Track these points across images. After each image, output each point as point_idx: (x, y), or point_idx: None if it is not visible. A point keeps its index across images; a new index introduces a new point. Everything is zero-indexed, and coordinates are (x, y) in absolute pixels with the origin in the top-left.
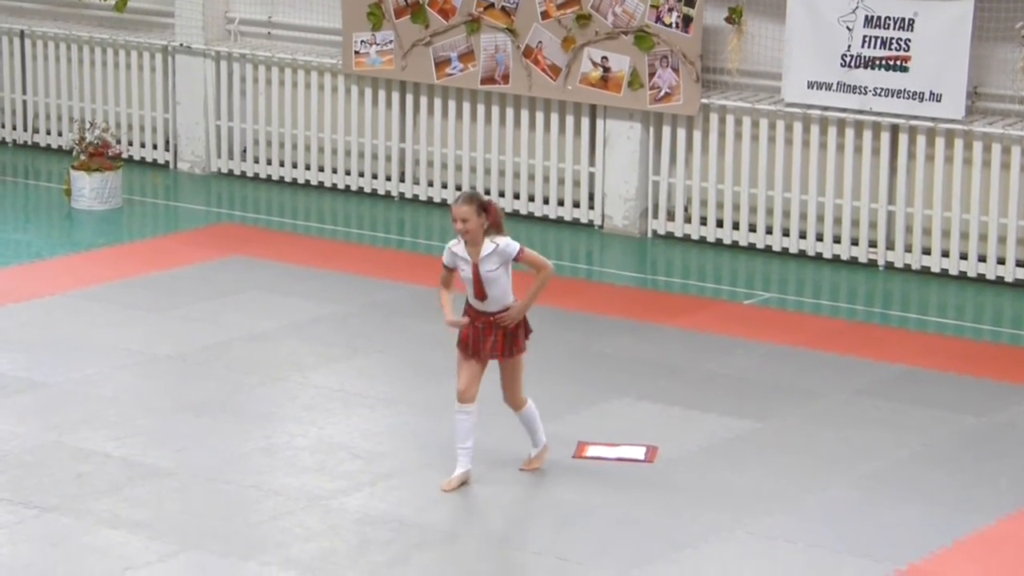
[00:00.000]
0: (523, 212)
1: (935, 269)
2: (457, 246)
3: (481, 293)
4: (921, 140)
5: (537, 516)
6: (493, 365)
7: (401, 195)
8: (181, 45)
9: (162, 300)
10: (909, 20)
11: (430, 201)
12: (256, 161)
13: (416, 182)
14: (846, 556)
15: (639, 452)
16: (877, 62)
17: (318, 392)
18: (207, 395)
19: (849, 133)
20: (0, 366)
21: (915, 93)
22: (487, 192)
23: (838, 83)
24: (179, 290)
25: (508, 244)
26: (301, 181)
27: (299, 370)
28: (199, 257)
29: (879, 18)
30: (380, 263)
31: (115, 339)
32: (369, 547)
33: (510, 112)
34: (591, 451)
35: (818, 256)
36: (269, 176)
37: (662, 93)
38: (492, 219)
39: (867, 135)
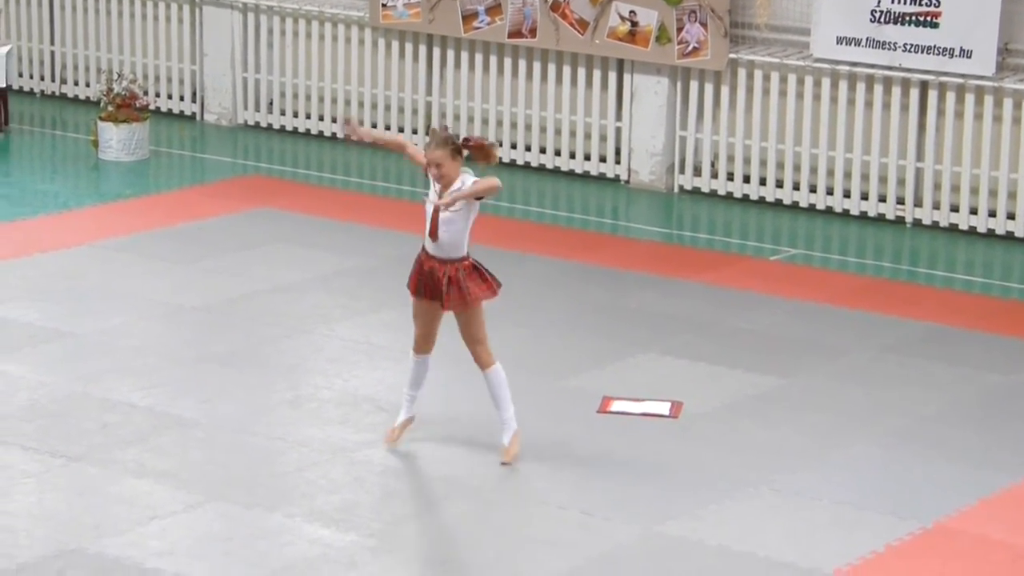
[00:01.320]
0: (549, 166)
1: (963, 226)
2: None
3: (435, 232)
4: (951, 97)
5: (561, 471)
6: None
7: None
8: None
9: (188, 251)
10: None
11: None
12: (283, 113)
13: None
14: (871, 513)
15: (664, 407)
16: (907, 18)
17: (343, 344)
18: (232, 346)
19: (878, 89)
20: (28, 316)
21: (945, 49)
22: (514, 147)
23: (867, 39)
24: (205, 241)
25: (465, 180)
26: (327, 134)
27: (325, 322)
28: (225, 209)
29: None
30: (405, 216)
31: (141, 290)
32: (392, 499)
33: (537, 66)
34: (616, 406)
35: (845, 212)
36: (295, 128)
37: (690, 48)
38: (476, 156)
39: (896, 91)
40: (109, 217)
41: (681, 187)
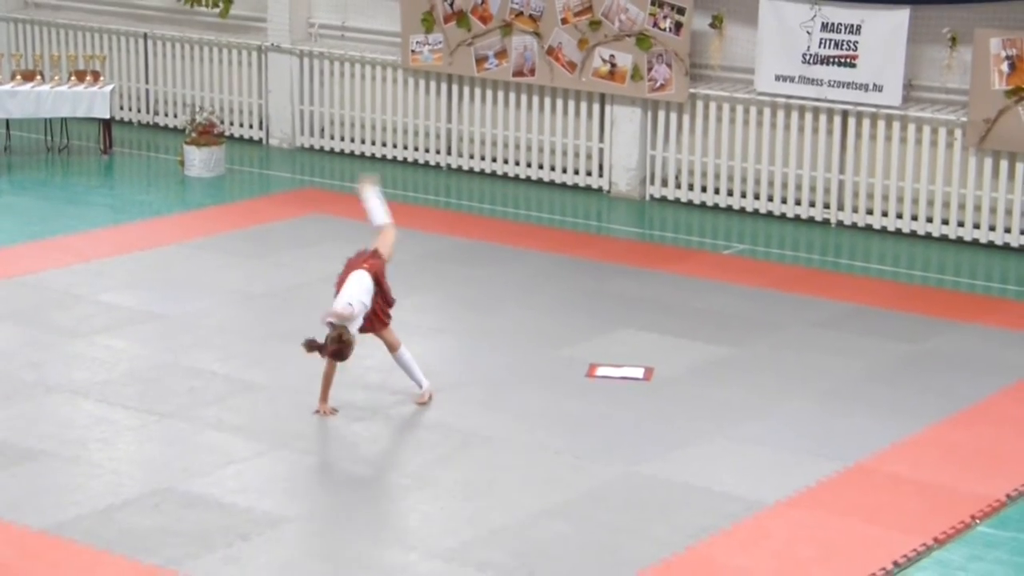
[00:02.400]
0: (545, 179)
1: (876, 226)
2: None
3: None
4: (866, 123)
5: (556, 424)
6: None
7: (448, 165)
8: (272, 45)
9: (257, 249)
10: (857, 26)
11: (471, 171)
12: (332, 137)
13: (460, 155)
14: (805, 456)
15: (639, 372)
16: (831, 59)
17: None
18: (292, 326)
19: (808, 117)
20: (128, 301)
21: (861, 84)
22: (517, 163)
23: (800, 76)
24: (270, 241)
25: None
26: (368, 154)
27: None
28: (286, 215)
29: (833, 24)
30: (431, 220)
31: (219, 280)
32: (422, 447)
33: (536, 99)
34: (600, 371)
35: (783, 215)
36: (343, 150)
37: (658, 84)
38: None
39: (823, 119)
40: (193, 222)
41: (652, 196)
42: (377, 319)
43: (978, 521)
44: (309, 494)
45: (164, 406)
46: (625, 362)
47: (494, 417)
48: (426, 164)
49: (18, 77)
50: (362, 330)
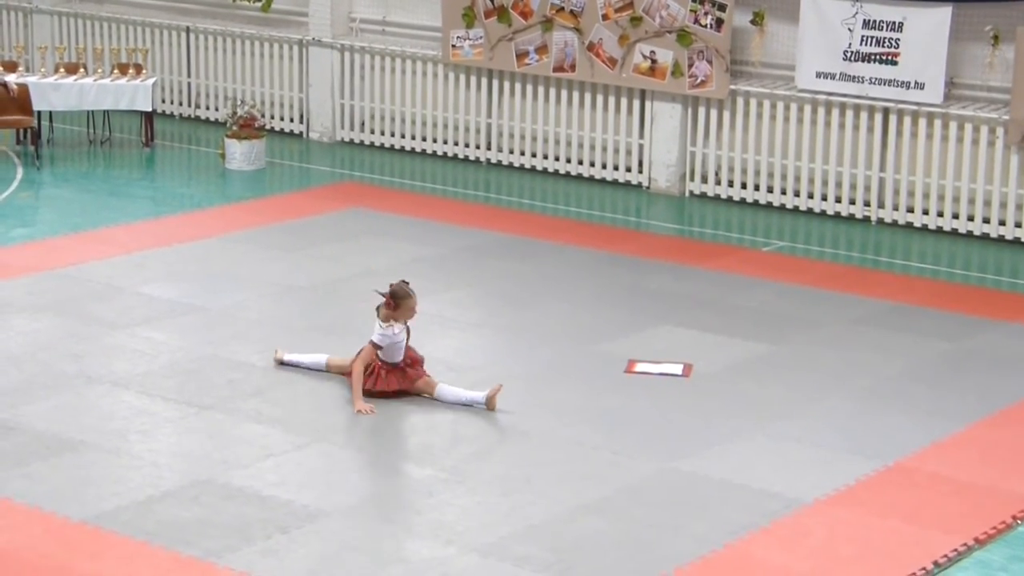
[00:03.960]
0: (585, 175)
1: (917, 224)
2: (390, 328)
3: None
4: (907, 120)
5: (594, 419)
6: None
7: (488, 160)
8: (313, 39)
9: (297, 242)
10: (899, 23)
11: (511, 166)
12: (372, 132)
13: (500, 150)
14: (843, 454)
15: (677, 368)
16: (873, 57)
17: (420, 317)
18: (332, 319)
19: (849, 114)
20: (168, 294)
21: (903, 82)
22: (557, 159)
23: (841, 73)
24: (310, 234)
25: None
26: (408, 148)
27: None
28: (326, 208)
29: (875, 21)
30: (471, 214)
31: (259, 273)
32: (460, 441)
33: (576, 95)
34: (639, 367)
35: (823, 213)
36: (383, 144)
37: (699, 80)
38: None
39: (864, 116)
40: (233, 215)
41: (691, 192)
42: (404, 377)
43: (1019, 521)
44: (347, 487)
45: (204, 398)
46: (664, 358)
47: (532, 412)
48: (466, 159)
49: (61, 70)
50: (394, 391)
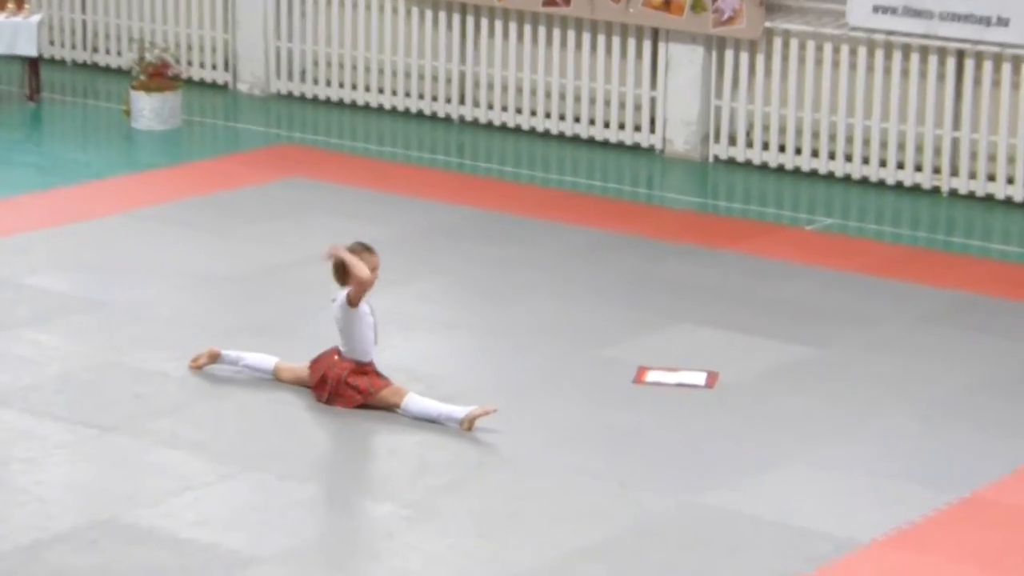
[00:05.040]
0: (583, 136)
1: (999, 196)
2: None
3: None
4: (987, 66)
5: (596, 441)
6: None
7: (461, 118)
8: None
9: (221, 221)
10: None
11: (490, 125)
12: (316, 83)
13: (476, 105)
14: (908, 485)
15: (699, 378)
16: None
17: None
18: (266, 317)
19: (914, 58)
20: (59, 286)
21: (982, 18)
22: (548, 116)
23: (904, 7)
24: (239, 211)
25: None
26: (361, 103)
27: None
28: (259, 178)
29: None
30: (440, 186)
31: (174, 260)
32: (427, 470)
33: (571, 35)
34: (651, 376)
35: (881, 182)
36: (329, 98)
37: (725, 16)
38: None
39: (932, 60)
40: (141, 186)
41: (716, 157)
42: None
43: None
44: (287, 528)
45: (104, 417)
46: (682, 365)
47: (518, 433)
48: (433, 116)
49: None
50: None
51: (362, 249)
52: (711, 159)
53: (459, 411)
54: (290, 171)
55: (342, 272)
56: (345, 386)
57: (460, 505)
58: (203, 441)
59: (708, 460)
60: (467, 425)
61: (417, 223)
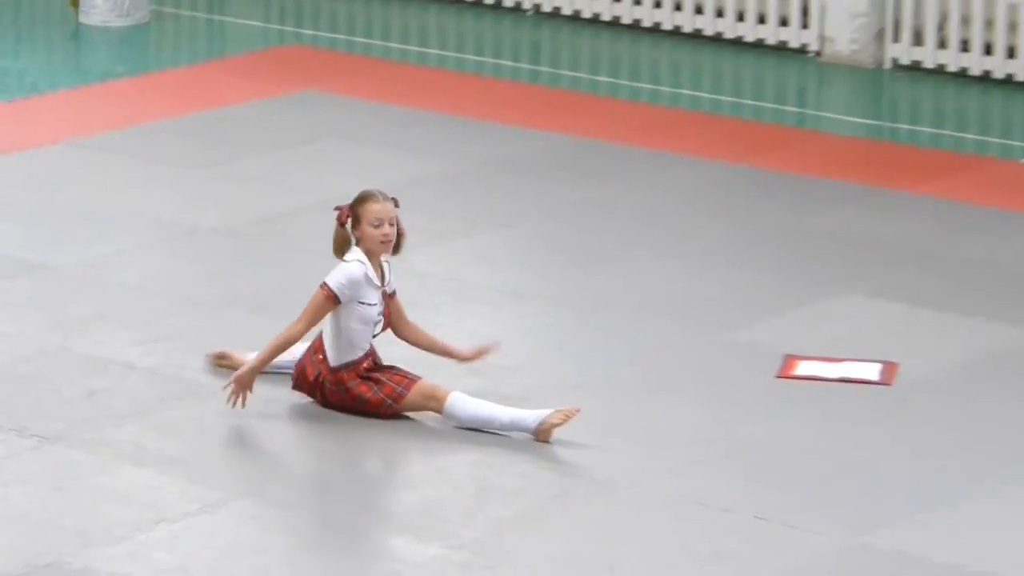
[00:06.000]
0: (707, 32)
1: None
2: (366, 268)
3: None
4: None
5: (727, 459)
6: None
7: (536, 7)
8: None
9: (205, 152)
10: None
11: (576, 17)
12: None
13: None
14: None
15: (871, 371)
16: None
17: (421, 282)
18: (265, 284)
19: None
20: None
21: None
22: (657, 5)
23: None
24: (228, 138)
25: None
26: None
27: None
28: (255, 92)
29: None
30: (506, 102)
31: (141, 205)
32: (489, 499)
33: None
34: (803, 368)
35: None
36: None
37: None
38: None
39: None
40: (95, 104)
41: (895, 61)
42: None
43: None
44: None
45: (47, 423)
46: (846, 353)
47: (616, 447)
48: (498, 5)
49: None
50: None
51: (363, 197)
52: (888, 64)
53: (530, 417)
54: (299, 82)
55: (340, 244)
56: (345, 395)
57: (534, 548)
58: (180, 456)
59: (883, 485)
60: (543, 436)
61: (474, 154)
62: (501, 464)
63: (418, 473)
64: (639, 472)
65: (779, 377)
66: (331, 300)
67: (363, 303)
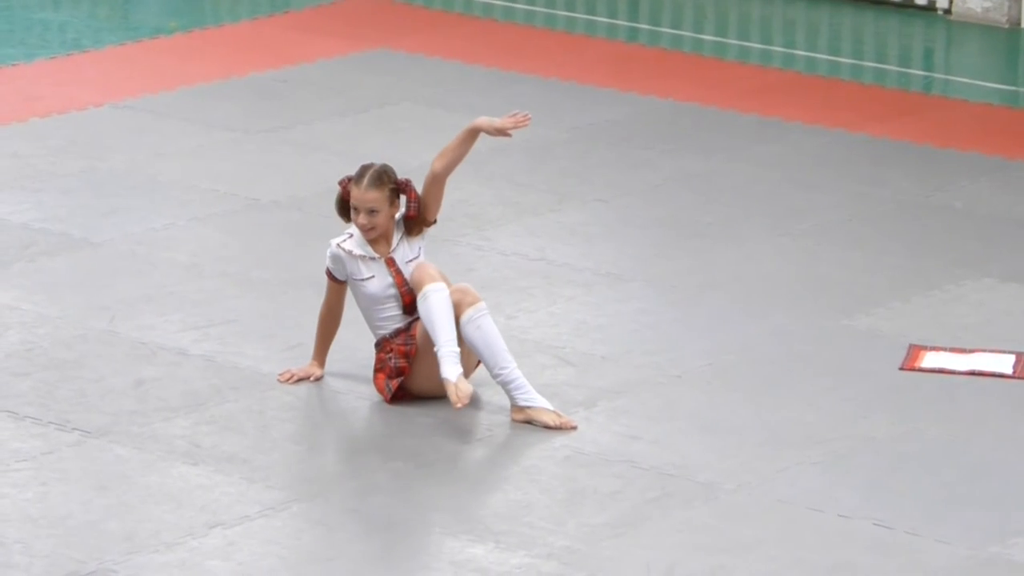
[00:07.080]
0: None
1: None
2: (348, 242)
3: (410, 298)
4: None
5: (844, 460)
6: None
7: None
8: None
9: (265, 116)
10: None
11: None
12: None
13: None
14: None
15: (1005, 363)
16: None
17: (505, 261)
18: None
19: None
20: (21, 214)
21: None
22: None
23: None
24: (291, 101)
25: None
26: None
27: (476, 226)
28: (322, 50)
29: None
30: (601, 63)
31: (194, 175)
32: (583, 501)
33: None
34: (930, 360)
35: None
36: None
37: None
38: (415, 206)
39: None
40: (144, 62)
41: None
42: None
43: None
44: None
45: (89, 415)
46: (977, 343)
47: (723, 447)
48: None
49: None
50: None
51: (351, 179)
52: None
53: (521, 398)
54: (370, 39)
55: (342, 208)
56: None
57: (630, 557)
58: (237, 453)
59: (1016, 490)
60: (518, 416)
61: (565, 120)
62: (594, 464)
63: (502, 474)
64: (746, 474)
65: (903, 369)
66: (329, 278)
67: (356, 279)
